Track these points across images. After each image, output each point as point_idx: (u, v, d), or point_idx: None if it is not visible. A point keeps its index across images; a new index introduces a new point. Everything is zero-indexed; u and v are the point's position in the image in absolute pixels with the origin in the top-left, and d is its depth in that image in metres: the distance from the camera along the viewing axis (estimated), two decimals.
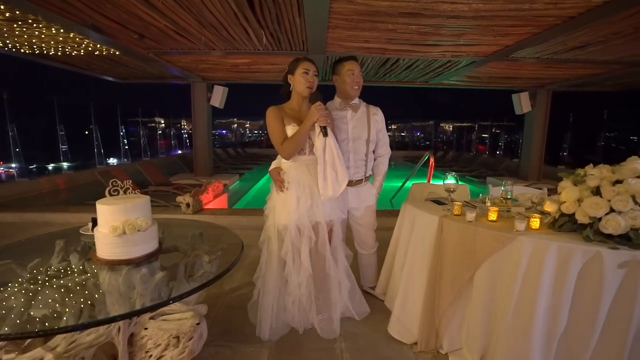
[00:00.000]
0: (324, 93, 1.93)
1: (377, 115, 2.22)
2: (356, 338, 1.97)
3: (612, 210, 1.41)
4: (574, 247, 1.41)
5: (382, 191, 2.38)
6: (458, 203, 1.82)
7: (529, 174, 8.01)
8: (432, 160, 5.69)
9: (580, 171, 1.62)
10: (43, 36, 4.02)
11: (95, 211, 1.58)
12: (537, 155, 7.97)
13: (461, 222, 1.70)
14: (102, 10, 3.36)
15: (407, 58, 5.11)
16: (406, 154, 15.67)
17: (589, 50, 4.37)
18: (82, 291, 1.33)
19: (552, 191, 2.31)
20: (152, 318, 1.54)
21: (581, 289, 1.43)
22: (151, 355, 1.47)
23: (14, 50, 4.65)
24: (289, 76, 1.93)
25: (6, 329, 1.10)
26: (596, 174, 1.54)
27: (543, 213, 1.71)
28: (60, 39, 4.11)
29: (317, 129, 1.83)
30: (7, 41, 4.26)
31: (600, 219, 1.42)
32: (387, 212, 4.05)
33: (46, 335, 1.31)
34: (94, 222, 1.69)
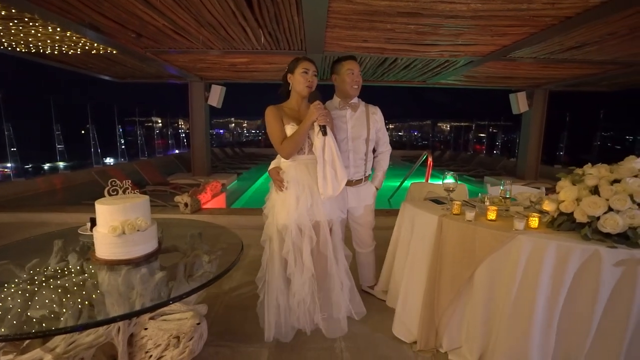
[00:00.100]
0: (322, 92, 1.93)
1: (377, 115, 2.23)
2: (356, 337, 1.97)
3: (610, 209, 1.42)
4: (573, 245, 1.42)
5: (380, 190, 2.39)
6: (457, 202, 1.82)
7: (526, 174, 8.05)
8: (430, 159, 5.70)
9: (578, 170, 1.63)
10: (39, 35, 3.99)
11: (93, 211, 1.58)
12: (534, 154, 8.01)
13: (460, 222, 1.70)
14: (99, 9, 3.34)
15: (405, 58, 5.12)
16: (404, 154, 15.69)
17: (585, 51, 4.40)
18: (81, 291, 1.32)
19: (550, 190, 2.33)
20: (152, 318, 1.53)
21: (579, 287, 1.44)
22: (151, 356, 1.47)
23: (9, 49, 4.61)
24: (289, 75, 1.93)
25: (2, 329, 1.10)
26: (594, 173, 1.55)
27: (542, 212, 1.72)
28: (57, 37, 4.08)
29: (317, 128, 1.83)
30: (3, 40, 4.22)
31: (598, 218, 1.43)
32: (385, 212, 4.06)
33: (45, 336, 1.30)
34: (93, 222, 1.68)
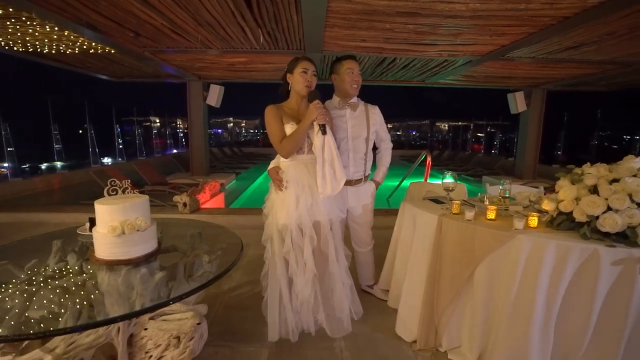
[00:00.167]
0: (322, 92, 1.93)
1: (376, 114, 2.23)
2: (356, 337, 1.97)
3: (609, 208, 1.43)
4: (572, 245, 1.42)
5: (379, 190, 2.39)
6: (457, 202, 1.83)
7: (524, 173, 8.08)
8: (429, 159, 5.72)
9: (577, 170, 1.64)
10: (37, 34, 3.97)
11: (91, 211, 1.57)
12: (532, 154, 8.04)
13: (460, 221, 1.71)
14: (97, 8, 3.33)
15: (404, 57, 5.12)
16: (402, 153, 15.67)
17: (583, 50, 4.41)
18: (81, 292, 1.31)
19: (548, 190, 2.33)
20: (152, 318, 1.53)
21: (578, 285, 1.45)
22: (151, 356, 1.46)
23: (6, 48, 4.58)
24: (288, 75, 1.93)
25: (1, 330, 1.09)
26: (593, 172, 1.56)
27: (541, 211, 1.73)
28: (55, 37, 4.05)
29: (316, 127, 1.83)
30: (0, 39, 4.20)
31: (597, 217, 1.44)
32: (384, 211, 4.06)
33: (44, 336, 1.30)
34: (92, 222, 1.67)
